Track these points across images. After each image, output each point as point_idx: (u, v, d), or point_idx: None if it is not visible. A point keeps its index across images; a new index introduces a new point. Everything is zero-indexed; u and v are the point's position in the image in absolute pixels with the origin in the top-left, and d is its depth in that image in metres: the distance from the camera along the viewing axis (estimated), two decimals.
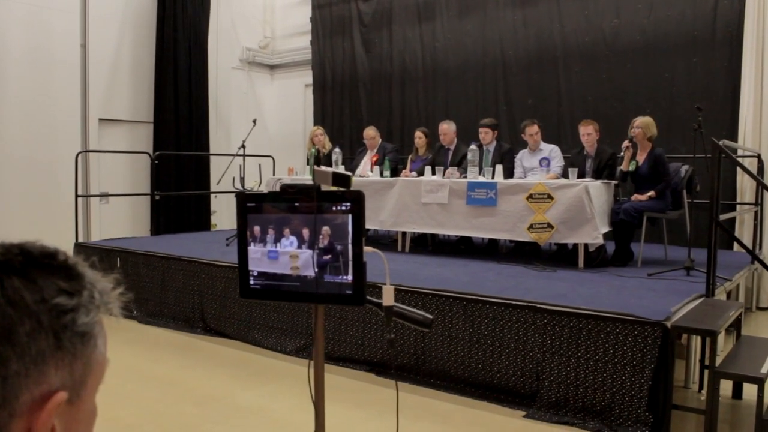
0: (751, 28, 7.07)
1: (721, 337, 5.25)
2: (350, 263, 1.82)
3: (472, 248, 7.05)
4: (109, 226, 9.44)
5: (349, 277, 1.84)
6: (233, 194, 9.12)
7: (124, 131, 9.98)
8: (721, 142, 4.50)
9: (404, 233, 6.84)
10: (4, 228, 8.36)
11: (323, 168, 1.83)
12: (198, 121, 10.49)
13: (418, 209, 6.50)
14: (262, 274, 1.89)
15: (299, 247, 1.84)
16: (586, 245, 5.78)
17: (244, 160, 8.25)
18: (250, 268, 1.89)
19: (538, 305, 4.14)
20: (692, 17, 7.53)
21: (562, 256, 6.39)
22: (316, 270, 1.82)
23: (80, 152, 8.15)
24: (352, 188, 1.89)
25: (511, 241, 6.71)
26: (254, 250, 1.89)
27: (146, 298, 6.61)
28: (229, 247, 6.91)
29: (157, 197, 8.70)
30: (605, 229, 5.83)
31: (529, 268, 5.76)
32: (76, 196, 7.68)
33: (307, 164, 7.93)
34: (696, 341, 4.48)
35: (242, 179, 8.90)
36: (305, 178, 7.57)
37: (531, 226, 5.82)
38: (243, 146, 8.12)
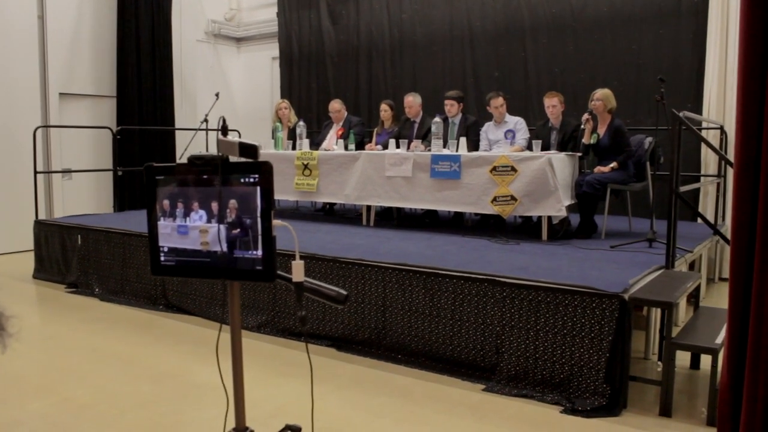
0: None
1: (683, 308, 5.31)
2: (260, 237, 1.74)
3: (437, 221, 7.02)
4: (72, 203, 9.27)
5: (259, 252, 1.76)
6: None
7: (86, 106, 9.77)
8: (682, 114, 4.48)
9: (369, 207, 6.79)
10: None
11: (229, 138, 1.74)
12: (162, 95, 10.31)
13: (383, 183, 6.44)
14: (172, 250, 1.81)
15: (208, 221, 1.76)
16: (549, 218, 5.77)
17: (207, 133, 8.12)
18: (160, 243, 1.81)
19: (497, 278, 4.11)
20: None
21: (527, 229, 6.38)
22: (225, 245, 1.75)
23: (38, 127, 7.94)
24: (262, 159, 1.78)
25: (476, 214, 6.68)
26: (164, 224, 1.81)
27: (107, 276, 6.51)
28: None
29: (120, 173, 8.54)
30: (569, 201, 5.82)
31: (493, 241, 5.74)
32: (35, 172, 7.50)
33: (272, 138, 7.82)
34: (656, 313, 4.49)
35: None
36: (270, 152, 7.47)
37: (495, 199, 5.78)
38: (206, 120, 7.99)
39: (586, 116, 6.03)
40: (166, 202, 1.78)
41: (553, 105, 6.41)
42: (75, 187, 9.53)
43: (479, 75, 8.78)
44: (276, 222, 1.72)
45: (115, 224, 6.76)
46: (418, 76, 9.29)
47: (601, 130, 6.04)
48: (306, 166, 6.91)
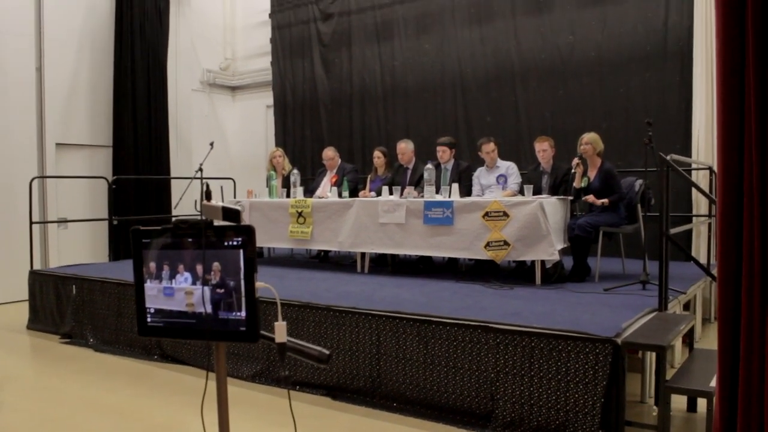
0: (700, 41, 7.19)
1: (678, 350, 5.30)
2: (243, 299, 1.77)
3: (431, 267, 7.03)
4: (67, 252, 9.28)
5: (243, 314, 1.79)
6: (194, 216, 9.05)
7: (82, 156, 9.84)
8: (669, 156, 4.54)
9: (363, 254, 6.80)
10: None
11: (213, 203, 1.78)
12: (158, 144, 10.39)
13: (376, 229, 6.47)
14: (159, 311, 1.85)
15: (194, 283, 1.80)
16: (543, 262, 5.79)
17: (201, 182, 8.15)
18: (147, 305, 1.85)
19: (491, 324, 4.11)
20: (644, 33, 7.64)
21: (521, 273, 6.39)
22: (210, 307, 1.77)
23: (35, 178, 8.00)
24: (245, 222, 1.83)
25: (470, 259, 6.70)
26: (150, 286, 1.84)
27: (102, 326, 6.49)
28: None
29: (115, 222, 8.57)
30: (561, 245, 5.84)
31: (487, 286, 5.75)
32: (31, 222, 7.53)
33: (267, 186, 7.87)
34: (651, 356, 4.48)
35: (201, 205, 8.81)
36: (264, 200, 7.51)
37: (488, 244, 5.81)
38: (200, 169, 8.03)
39: (575, 161, 6.09)
40: (152, 264, 1.82)
41: (543, 149, 6.48)
42: (71, 237, 9.55)
43: (471, 120, 8.89)
44: (259, 284, 1.74)
45: (110, 273, 6.76)
46: (411, 123, 9.40)
47: (592, 174, 6.10)
48: (300, 214, 6.95)
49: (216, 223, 1.75)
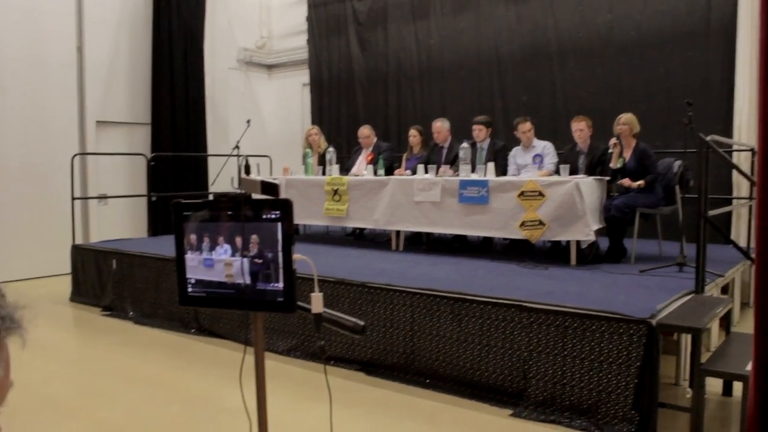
0: (744, 19, 7.03)
1: (715, 333, 5.25)
2: (281, 270, 1.82)
3: (466, 246, 7.04)
4: (107, 228, 9.46)
5: (280, 285, 1.84)
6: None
7: (121, 133, 10.00)
8: (710, 137, 4.48)
9: (398, 232, 6.83)
10: (3, 231, 8.40)
11: (252, 177, 1.82)
12: (195, 122, 10.52)
13: (411, 208, 6.49)
14: (199, 282, 1.91)
15: (233, 255, 1.85)
16: (578, 242, 5.76)
17: (238, 160, 8.24)
18: (187, 275, 1.90)
19: (524, 303, 4.12)
20: (686, 11, 7.49)
21: (556, 253, 6.37)
22: (249, 278, 1.83)
23: (76, 155, 8.16)
24: (281, 196, 1.87)
25: (505, 239, 6.69)
26: (191, 257, 1.90)
27: (141, 299, 6.63)
28: None
29: (154, 198, 8.70)
30: (597, 225, 5.81)
31: (521, 265, 5.75)
32: (72, 198, 7.70)
33: (303, 164, 7.93)
34: (686, 338, 4.45)
35: (240, 179, 8.91)
36: (300, 177, 7.58)
37: (523, 224, 5.80)
38: (237, 147, 8.13)
39: (613, 141, 6.03)
40: (192, 237, 1.87)
41: (580, 129, 6.42)
42: (110, 213, 9.73)
43: (507, 99, 8.83)
44: (296, 256, 1.79)
45: (148, 249, 6.90)
46: (447, 102, 9.36)
47: (627, 154, 6.04)
48: (336, 192, 7.00)
49: (255, 196, 1.80)
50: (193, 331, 6.04)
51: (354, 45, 10.43)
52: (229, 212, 1.83)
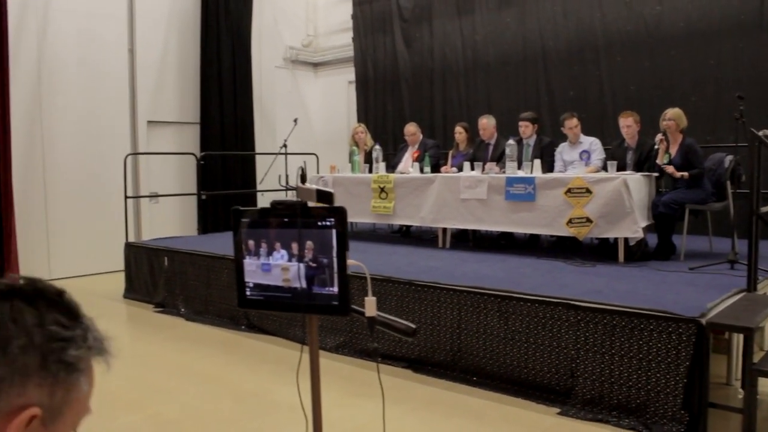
0: None
1: None
2: (335, 275, 1.89)
3: (512, 243, 7.03)
4: (158, 226, 9.69)
5: (335, 289, 1.90)
6: (279, 192, 9.31)
7: (171, 132, 10.22)
8: (762, 132, 4.39)
9: (444, 229, 6.86)
10: (59, 229, 8.67)
11: (308, 185, 1.89)
12: (243, 121, 10.69)
13: (458, 205, 6.51)
14: (257, 286, 1.99)
15: (289, 260, 1.92)
16: (626, 239, 5.71)
17: (286, 158, 8.37)
18: (246, 279, 1.99)
19: (572, 302, 4.12)
20: (738, 0, 7.32)
21: (603, 251, 6.31)
22: (305, 282, 1.90)
23: (129, 154, 8.38)
24: (335, 203, 1.94)
25: (552, 235, 6.66)
26: (249, 262, 1.99)
27: (192, 296, 6.78)
28: None
29: (204, 197, 8.88)
30: (646, 222, 5.75)
31: (568, 263, 5.72)
32: (125, 197, 7.91)
33: (349, 162, 8.00)
34: (738, 337, 4.39)
35: (287, 177, 9.06)
36: (347, 175, 7.66)
37: (570, 221, 5.77)
38: (285, 145, 8.25)
39: (659, 137, 5.95)
40: (251, 242, 1.96)
41: (628, 125, 6.35)
42: (161, 211, 9.96)
43: (553, 95, 8.76)
44: (350, 261, 1.86)
45: (199, 246, 7.05)
46: (492, 98, 9.33)
47: (673, 150, 5.95)
48: (382, 189, 7.05)
49: (310, 204, 1.87)
50: (243, 327, 6.16)
51: (399, 42, 10.46)
52: (286, 219, 1.90)
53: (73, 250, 8.79)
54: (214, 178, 9.99)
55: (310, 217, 1.87)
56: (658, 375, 3.73)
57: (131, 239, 8.20)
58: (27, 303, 0.86)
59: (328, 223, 1.86)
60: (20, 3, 8.25)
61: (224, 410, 4.19)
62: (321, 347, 5.33)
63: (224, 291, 6.42)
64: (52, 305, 0.88)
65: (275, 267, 1.94)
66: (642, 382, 3.79)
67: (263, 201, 10.62)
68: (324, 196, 1.86)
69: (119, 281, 7.85)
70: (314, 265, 1.89)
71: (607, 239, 6.27)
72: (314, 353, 2.01)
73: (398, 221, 7.30)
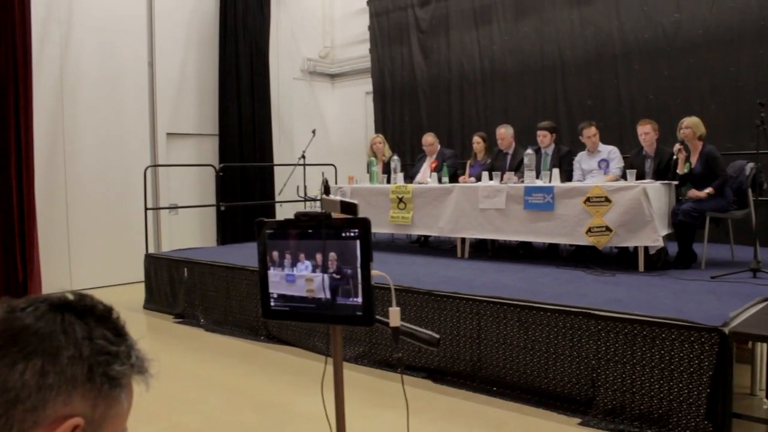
0: None
1: None
2: (360, 286, 1.90)
3: (531, 252, 7.01)
4: (178, 237, 9.76)
5: (359, 299, 1.92)
6: (297, 203, 9.35)
7: (191, 144, 10.30)
8: None
9: (463, 239, 6.85)
10: (80, 240, 8.76)
11: (332, 197, 1.91)
12: (261, 133, 10.76)
13: (476, 215, 6.50)
14: (281, 296, 2.01)
15: (313, 270, 1.95)
16: (646, 248, 5.67)
17: (304, 169, 8.40)
18: (270, 290, 2.01)
19: (592, 311, 4.10)
20: (757, 7, 7.28)
21: (623, 260, 6.28)
22: (329, 293, 1.92)
23: (149, 166, 8.46)
24: (359, 215, 1.95)
25: (571, 245, 6.63)
26: (273, 273, 2.01)
27: (212, 307, 6.82)
28: None
29: (223, 208, 8.93)
30: (666, 231, 5.71)
31: (588, 272, 5.70)
32: (146, 208, 7.98)
33: (367, 172, 8.03)
34: (762, 347, 4.35)
35: (305, 188, 9.10)
36: (365, 186, 7.68)
37: (589, 230, 5.75)
38: (303, 156, 8.29)
39: (677, 146, 5.92)
40: (275, 254, 1.98)
41: (646, 132, 6.33)
42: (181, 222, 10.03)
43: (571, 104, 8.74)
44: (374, 272, 1.87)
45: (218, 258, 7.09)
46: (510, 107, 9.32)
47: (693, 159, 5.91)
48: (401, 200, 7.06)
49: (334, 215, 1.89)
50: (262, 338, 6.18)
51: (416, 52, 10.49)
52: (310, 230, 1.93)
53: (94, 260, 8.87)
54: (233, 190, 10.05)
55: (335, 228, 1.89)
56: (681, 385, 3.69)
57: (151, 250, 8.27)
58: (77, 317, 0.90)
59: (352, 234, 1.88)
60: (43, 17, 8.37)
61: (245, 421, 4.21)
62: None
63: (243, 302, 6.45)
64: (100, 321, 0.92)
65: (299, 278, 1.96)
66: (664, 392, 3.76)
67: (282, 212, 10.67)
68: (348, 207, 1.88)
69: (139, 292, 7.91)
70: (338, 275, 1.91)
71: (626, 248, 6.24)
72: (338, 364, 2.03)
73: (417, 231, 7.30)
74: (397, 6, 10.72)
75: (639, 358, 3.86)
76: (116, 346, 0.92)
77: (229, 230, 9.74)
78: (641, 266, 5.69)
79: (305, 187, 9.34)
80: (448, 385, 4.72)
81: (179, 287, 7.26)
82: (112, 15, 9.10)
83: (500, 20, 9.41)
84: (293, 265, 1.96)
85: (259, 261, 1.98)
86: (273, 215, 10.58)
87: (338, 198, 1.89)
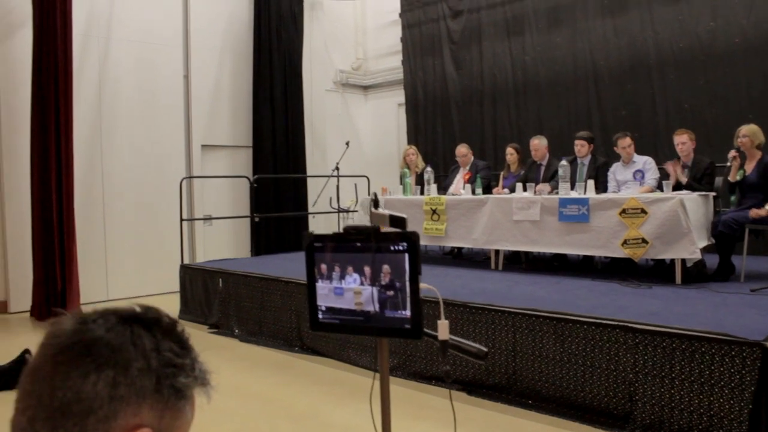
0: None
1: None
2: (408, 299, 1.92)
3: (566, 264, 6.96)
4: (212, 248, 9.86)
5: (408, 312, 1.94)
6: (330, 214, 9.40)
7: (225, 156, 10.42)
8: None
9: (497, 251, 6.83)
10: (116, 250, 8.89)
11: (381, 210, 1.93)
12: (294, 144, 10.83)
13: (510, 227, 6.48)
14: (329, 309, 2.04)
15: (361, 283, 1.97)
16: (683, 260, 5.60)
17: (338, 181, 8.45)
18: (318, 303, 2.04)
19: (630, 324, 4.06)
20: None
21: (660, 272, 6.21)
22: (378, 305, 1.94)
23: (184, 178, 8.57)
24: (409, 228, 1.97)
25: (606, 257, 6.58)
26: (321, 286, 2.04)
27: (246, 318, 6.87)
28: None
29: (257, 219, 9.01)
30: (704, 243, 5.64)
31: (624, 284, 5.64)
32: (181, 219, 8.09)
33: (401, 184, 8.05)
34: None
35: (338, 199, 9.14)
36: (399, 197, 7.70)
37: (625, 242, 5.70)
38: (337, 168, 8.34)
39: (732, 153, 5.84)
40: (323, 266, 2.02)
41: (682, 141, 6.27)
42: (215, 233, 10.13)
43: (605, 114, 8.68)
44: (423, 285, 1.89)
45: (252, 268, 7.14)
46: (543, 118, 9.29)
47: (749, 167, 5.83)
48: (434, 211, 7.07)
49: (383, 229, 1.91)
50: (296, 349, 6.22)
51: (449, 64, 10.51)
52: (358, 244, 1.96)
53: (130, 271, 9.00)
54: (267, 201, 10.13)
55: (383, 241, 1.91)
56: (722, 400, 3.64)
57: (186, 261, 8.36)
58: (145, 329, 0.92)
59: (400, 248, 1.90)
60: (83, 32, 8.54)
61: (281, 430, 4.23)
62: (373, 369, 5.36)
63: (278, 313, 6.49)
64: (166, 333, 0.95)
65: (348, 291, 1.99)
66: (704, 408, 3.70)
67: (314, 223, 10.74)
68: (397, 221, 1.90)
69: (174, 302, 7.99)
70: (387, 288, 1.93)
71: (663, 260, 6.17)
72: (385, 376, 2.05)
73: (450, 243, 7.29)
74: (429, 17, 10.76)
75: (678, 373, 3.82)
76: (182, 358, 0.94)
77: (263, 241, 9.82)
78: (678, 278, 5.62)
79: (338, 198, 9.40)
80: (483, 398, 4.69)
81: (214, 298, 7.33)
82: (150, 29, 9.27)
83: (533, 31, 9.40)
84: (342, 277, 2.00)
85: (308, 274, 2.01)
86: (306, 227, 10.64)
87: (387, 212, 1.92)
